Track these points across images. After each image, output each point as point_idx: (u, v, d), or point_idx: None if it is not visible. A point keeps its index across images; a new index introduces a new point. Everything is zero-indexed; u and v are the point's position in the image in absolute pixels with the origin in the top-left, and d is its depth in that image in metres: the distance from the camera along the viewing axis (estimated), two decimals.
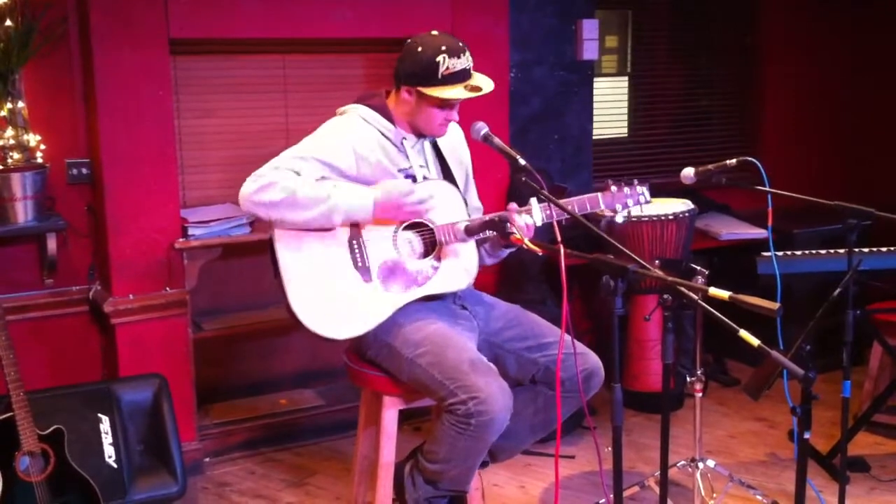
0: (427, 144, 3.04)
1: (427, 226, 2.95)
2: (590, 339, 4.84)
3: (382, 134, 2.93)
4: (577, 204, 2.90)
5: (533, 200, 2.85)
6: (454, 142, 3.14)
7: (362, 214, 2.82)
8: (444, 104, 2.86)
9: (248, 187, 2.77)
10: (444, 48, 2.81)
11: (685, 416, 4.50)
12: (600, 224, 3.11)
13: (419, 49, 2.84)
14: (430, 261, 2.94)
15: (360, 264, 2.87)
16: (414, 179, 2.96)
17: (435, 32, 2.89)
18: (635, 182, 2.97)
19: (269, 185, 2.74)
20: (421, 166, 3.00)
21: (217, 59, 4.20)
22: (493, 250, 3.06)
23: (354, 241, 2.88)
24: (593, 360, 2.92)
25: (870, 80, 5.89)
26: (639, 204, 2.97)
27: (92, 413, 3.56)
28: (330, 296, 2.83)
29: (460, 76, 2.83)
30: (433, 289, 2.93)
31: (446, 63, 2.80)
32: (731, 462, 4.08)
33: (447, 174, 3.07)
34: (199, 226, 3.97)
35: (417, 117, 2.92)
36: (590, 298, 5.02)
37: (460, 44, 2.85)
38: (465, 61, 2.84)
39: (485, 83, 2.87)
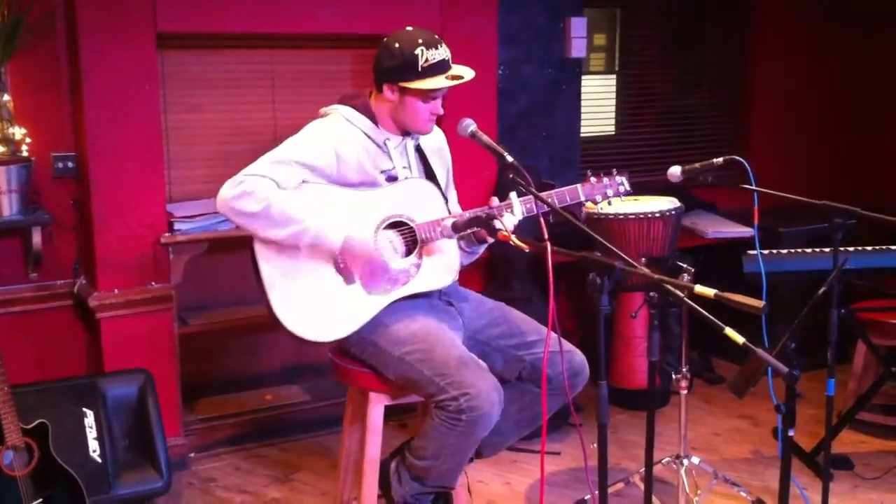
0: (410, 145, 3.04)
1: (407, 224, 2.94)
2: (576, 336, 4.85)
3: (366, 135, 2.92)
4: (556, 196, 2.90)
5: (512, 195, 2.84)
6: (437, 143, 3.14)
7: (329, 245, 2.79)
8: (428, 97, 2.86)
9: (226, 192, 2.76)
10: (420, 41, 2.81)
11: (670, 414, 4.51)
12: (581, 217, 3.11)
13: (396, 45, 2.83)
14: (412, 259, 2.93)
15: (341, 266, 2.86)
16: (395, 181, 2.96)
17: (409, 28, 2.88)
18: (614, 172, 2.98)
19: (247, 194, 2.72)
20: (404, 167, 2.99)
21: (204, 53, 4.18)
22: (469, 246, 3.05)
23: None
24: (579, 358, 2.93)
25: (859, 78, 5.92)
26: (618, 194, 2.98)
27: (76, 408, 3.54)
28: (312, 299, 2.83)
29: (440, 67, 2.83)
30: (416, 287, 2.93)
31: (425, 55, 2.80)
32: (715, 459, 4.09)
33: (430, 175, 3.06)
34: (185, 221, 3.95)
35: (402, 114, 2.91)
36: (576, 296, 5.02)
37: (436, 36, 2.86)
38: (443, 52, 2.84)
39: (465, 72, 2.88)
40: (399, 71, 2.83)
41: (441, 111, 2.93)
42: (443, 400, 2.69)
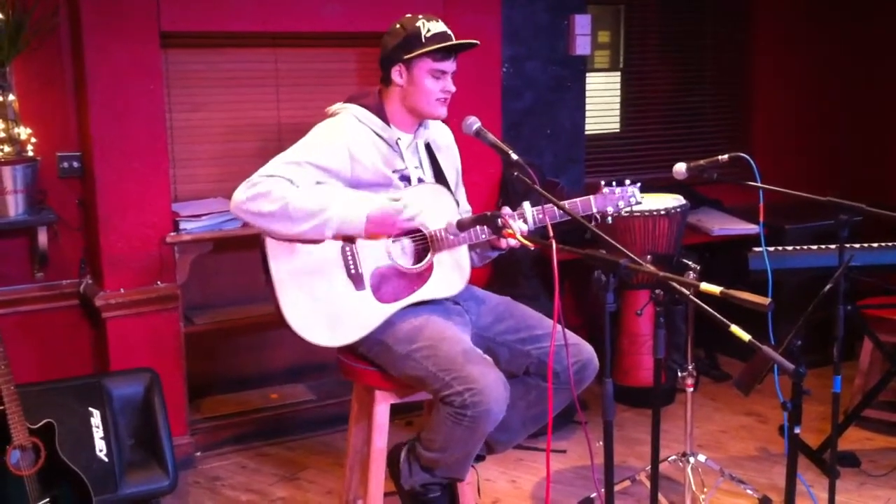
0: (421, 145, 3.03)
1: (420, 231, 2.93)
2: (582, 334, 4.82)
3: (377, 134, 2.91)
4: (569, 207, 2.88)
5: (525, 204, 2.84)
6: (446, 143, 3.14)
7: (354, 229, 2.77)
8: (438, 73, 2.87)
9: (241, 195, 2.73)
10: (420, 16, 2.88)
11: (676, 411, 4.51)
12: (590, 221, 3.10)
13: (398, 25, 2.89)
14: (423, 266, 2.93)
15: (352, 271, 2.85)
16: (408, 181, 2.95)
17: (408, 15, 2.92)
18: (627, 182, 2.96)
19: (263, 195, 2.70)
20: (416, 167, 2.98)
21: (208, 52, 4.18)
22: (482, 251, 3.05)
23: (347, 248, 2.85)
24: (587, 350, 2.92)
25: (861, 75, 5.90)
26: (630, 205, 2.97)
27: (83, 407, 3.55)
28: (322, 304, 2.82)
29: (443, 37, 2.86)
30: (425, 295, 2.92)
31: (427, 26, 2.85)
32: (721, 457, 4.09)
33: (439, 176, 3.05)
34: (191, 220, 3.96)
35: (413, 96, 2.90)
36: (582, 293, 5.02)
37: (433, 16, 2.91)
38: (444, 27, 2.88)
39: (470, 40, 2.90)
40: (404, 45, 2.85)
41: (452, 88, 2.92)
42: (448, 395, 2.68)
